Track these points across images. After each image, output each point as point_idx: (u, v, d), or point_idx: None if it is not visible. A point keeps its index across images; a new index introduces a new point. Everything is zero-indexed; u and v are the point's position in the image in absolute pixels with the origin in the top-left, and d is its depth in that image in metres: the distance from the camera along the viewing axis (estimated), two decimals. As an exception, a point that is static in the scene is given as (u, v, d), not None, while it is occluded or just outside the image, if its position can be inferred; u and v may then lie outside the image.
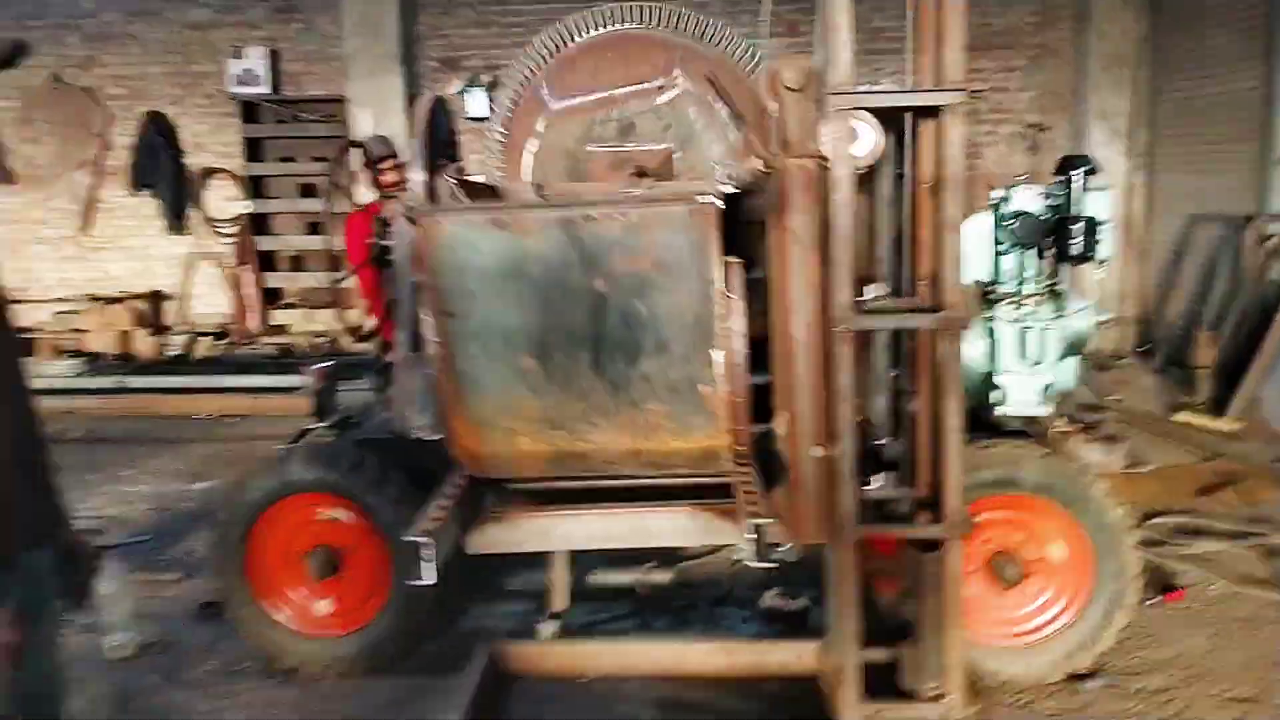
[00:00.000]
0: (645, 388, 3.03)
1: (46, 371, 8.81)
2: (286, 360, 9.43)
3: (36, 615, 2.21)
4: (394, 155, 5.75)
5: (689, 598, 4.54)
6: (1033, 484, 3.64)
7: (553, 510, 3.26)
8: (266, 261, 10.49)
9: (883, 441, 3.36)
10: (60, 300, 10.09)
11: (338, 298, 9.30)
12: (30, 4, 9.97)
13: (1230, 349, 7.27)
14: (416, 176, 3.30)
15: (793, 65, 2.91)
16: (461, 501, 3.13)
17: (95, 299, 10.13)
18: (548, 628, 4.11)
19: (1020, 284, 3.90)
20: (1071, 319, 3.91)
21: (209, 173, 10.34)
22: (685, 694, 3.76)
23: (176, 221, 10.29)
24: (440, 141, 3.73)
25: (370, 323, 4.44)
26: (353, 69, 9.71)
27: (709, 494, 3.24)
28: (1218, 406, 7.02)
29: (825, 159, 2.89)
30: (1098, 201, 3.84)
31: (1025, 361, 3.87)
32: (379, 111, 9.58)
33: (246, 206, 10.24)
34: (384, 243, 4.01)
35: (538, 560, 4.23)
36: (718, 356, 2.98)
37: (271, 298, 10.51)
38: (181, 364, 9.74)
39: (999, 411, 3.91)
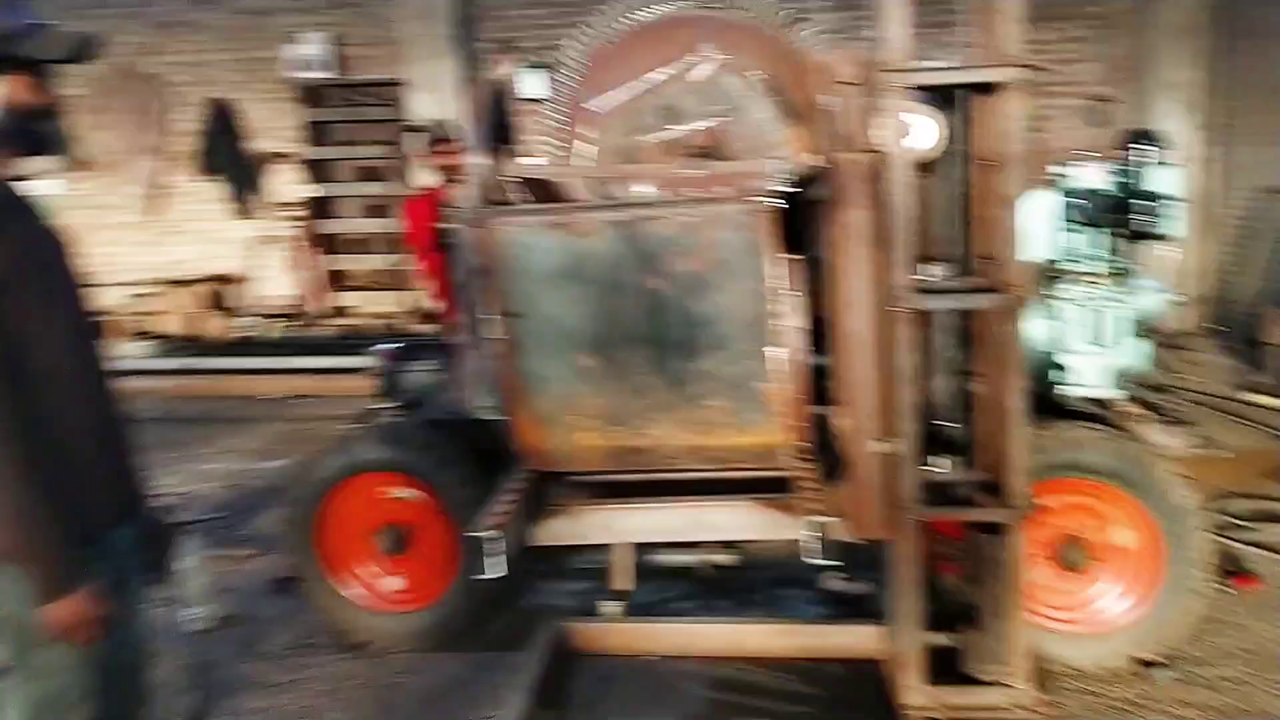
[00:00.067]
0: (704, 384, 3.06)
1: (119, 353, 9.05)
2: (352, 341, 9.57)
3: (121, 590, 2.29)
4: (454, 139, 5.81)
5: (750, 579, 4.56)
6: (1099, 467, 3.57)
7: (614, 504, 3.32)
8: (330, 244, 10.66)
9: (945, 424, 3.34)
10: (131, 283, 10.35)
11: (401, 280, 9.43)
12: (97, -7, 10.20)
13: (1304, 327, 7.08)
14: (476, 161, 3.34)
15: (848, 59, 2.89)
16: (526, 495, 3.18)
17: (165, 282, 10.38)
18: (610, 607, 4.16)
19: (1086, 262, 3.84)
20: (1139, 298, 3.84)
21: (272, 157, 10.52)
22: (745, 675, 3.80)
23: (242, 205, 10.49)
24: (499, 125, 3.77)
25: (435, 305, 4.50)
26: (410, 52, 9.79)
27: (768, 487, 3.26)
28: (1291, 387, 6.86)
29: (882, 151, 2.87)
30: (1166, 177, 3.77)
31: (1091, 342, 3.81)
32: (436, 94, 9.65)
33: (308, 190, 10.40)
34: (446, 227, 4.08)
35: (601, 540, 4.28)
36: (776, 353, 2.99)
37: (336, 280, 10.68)
38: (249, 345, 9.96)
39: (1064, 393, 3.87)
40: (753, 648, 3.85)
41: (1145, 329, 3.95)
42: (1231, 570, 4.39)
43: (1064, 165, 3.88)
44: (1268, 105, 8.43)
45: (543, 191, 3.51)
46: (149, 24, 10.38)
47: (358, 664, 4.05)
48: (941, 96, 3.04)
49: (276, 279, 10.63)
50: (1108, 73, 9.38)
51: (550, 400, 3.15)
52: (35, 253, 2.12)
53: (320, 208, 10.56)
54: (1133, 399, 4.02)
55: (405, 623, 4.11)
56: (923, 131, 2.97)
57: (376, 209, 10.47)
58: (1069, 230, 3.84)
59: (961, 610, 3.35)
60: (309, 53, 10.12)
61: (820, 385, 3.19)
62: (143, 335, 9.92)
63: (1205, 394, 6.92)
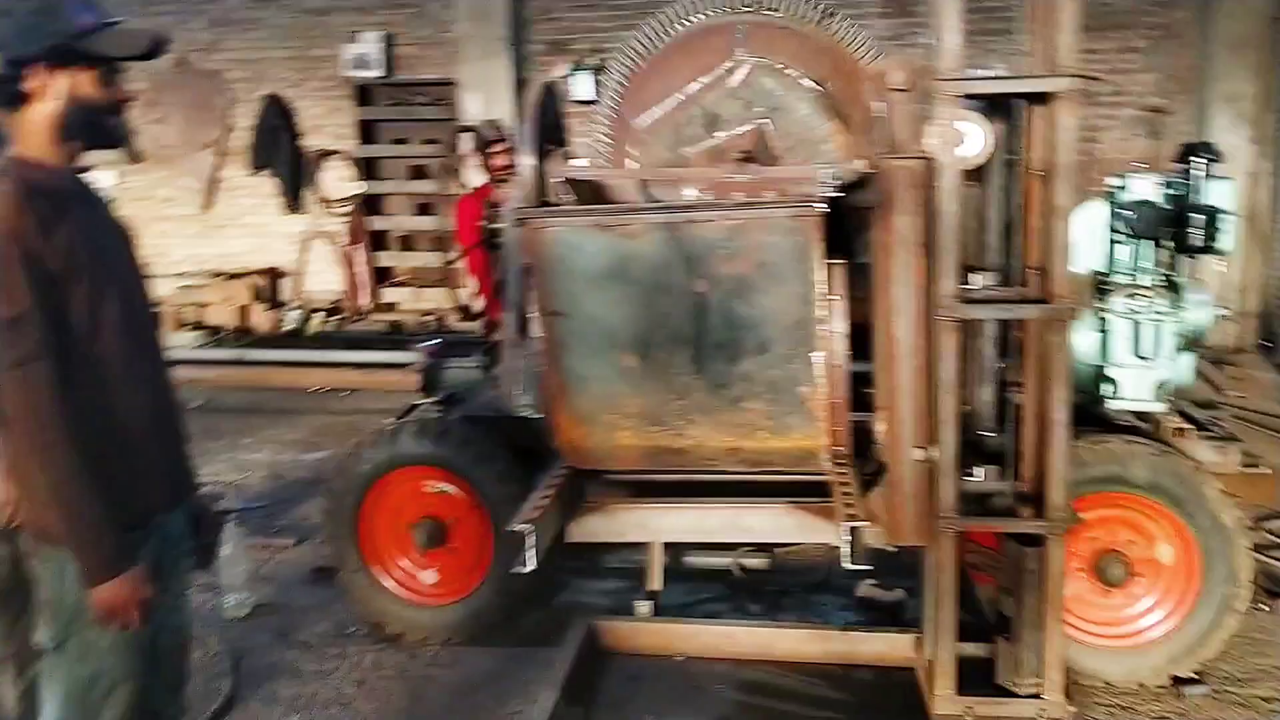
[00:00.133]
0: (745, 387, 3.06)
1: (170, 343, 9.21)
2: (396, 337, 9.69)
3: (167, 574, 2.34)
4: (504, 139, 5.87)
5: (784, 583, 4.55)
6: (1141, 482, 3.54)
7: (651, 503, 3.33)
8: (378, 241, 10.78)
9: (986, 433, 3.32)
10: (183, 275, 10.54)
11: (448, 277, 9.51)
12: (160, -11, 10.41)
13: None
14: (526, 161, 3.37)
15: (900, 66, 2.88)
16: (563, 492, 3.20)
17: (216, 274, 10.55)
18: (643, 606, 4.17)
19: (1136, 275, 3.79)
20: (1188, 312, 3.78)
21: (324, 154, 10.65)
22: (777, 679, 3.79)
23: (293, 201, 10.63)
24: (549, 126, 3.80)
25: (479, 303, 4.55)
26: (464, 52, 9.88)
27: (804, 491, 3.26)
28: (1342, 406, 6.72)
29: (932, 158, 2.86)
30: (1220, 191, 3.70)
31: (1139, 355, 3.76)
32: (488, 94, 9.73)
33: (360, 187, 10.52)
34: (493, 226, 4.11)
35: (635, 539, 4.30)
36: (818, 358, 2.99)
37: (382, 276, 10.80)
38: (296, 338, 10.10)
39: (1110, 406, 3.82)
40: (783, 652, 3.84)
41: (1193, 343, 3.89)
42: (1272, 590, 4.32)
43: (1118, 176, 3.83)
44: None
45: (590, 193, 3.53)
46: (209, 21, 10.57)
47: (390, 655, 4.09)
48: (990, 104, 3.02)
49: (325, 274, 10.77)
50: (1165, 84, 9.24)
51: (591, 399, 3.17)
52: (96, 243, 2.16)
53: (369, 205, 10.69)
54: (1177, 413, 3.96)
55: (440, 616, 4.15)
56: (971, 139, 2.95)
57: (424, 207, 10.57)
58: (1119, 242, 3.79)
59: (996, 620, 3.32)
60: (364, 52, 10.25)
61: (860, 391, 3.18)
62: (193, 326, 10.09)
63: (1252, 410, 6.80)
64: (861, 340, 3.12)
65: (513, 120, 8.97)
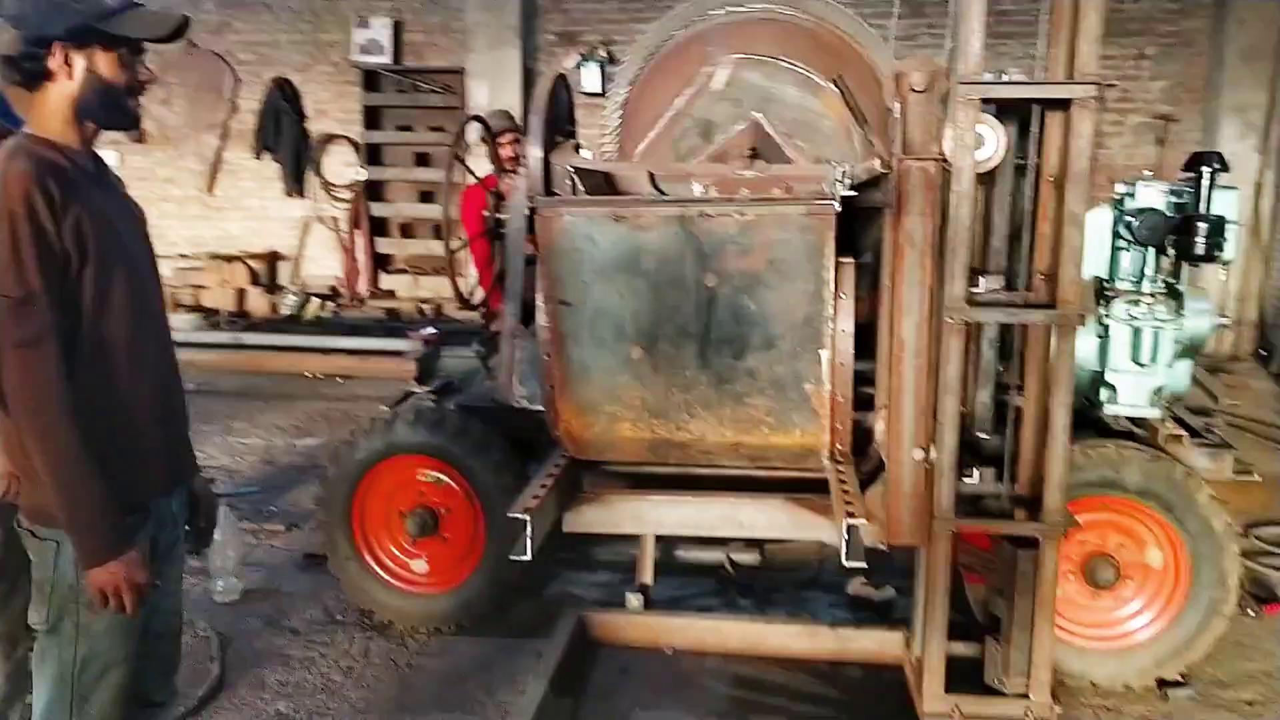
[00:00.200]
0: (749, 383, 3.06)
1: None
2: (393, 324, 9.68)
3: (164, 557, 2.33)
4: (514, 130, 5.85)
5: (775, 579, 4.55)
6: (1135, 487, 3.57)
7: (648, 495, 3.32)
8: (379, 227, 10.77)
9: (984, 436, 3.31)
10: (182, 256, 10.52)
11: (450, 266, 9.48)
12: (168, -31, 10.37)
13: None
14: (534, 153, 3.35)
15: (919, 67, 2.87)
16: (561, 482, 3.20)
17: (215, 257, 10.55)
18: (634, 599, 4.17)
19: (1138, 282, 3.79)
20: (1188, 320, 3.78)
21: (329, 139, 10.64)
22: (765, 674, 3.79)
23: (295, 185, 10.64)
24: (560, 118, 3.79)
25: (479, 293, 4.54)
26: (473, 41, 9.87)
27: (801, 487, 3.25)
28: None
29: (946, 160, 2.85)
30: (1225, 201, 3.70)
31: (1137, 361, 3.76)
32: (495, 84, 9.73)
33: (361, 173, 10.51)
34: (498, 216, 4.11)
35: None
36: (825, 356, 2.98)
37: (382, 263, 10.79)
38: (293, 323, 10.09)
39: (1107, 411, 3.82)
40: (773, 647, 3.83)
41: (1192, 351, 3.89)
42: (1260, 596, 4.34)
43: (1125, 183, 3.83)
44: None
45: (599, 186, 3.52)
46: (218, 2, 10.56)
47: (379, 643, 4.09)
48: (1002, 108, 3.00)
49: (324, 259, 10.76)
50: (1175, 92, 9.24)
51: (594, 390, 3.16)
52: (108, 224, 2.15)
53: (372, 190, 10.67)
54: (1173, 420, 3.96)
55: (429, 605, 4.15)
56: (984, 142, 2.94)
57: (427, 195, 10.56)
58: (1123, 249, 3.78)
59: (985, 620, 3.32)
60: (373, 37, 10.23)
61: (860, 389, 3.17)
62: (190, 308, 10.07)
63: (1247, 418, 6.81)
64: (863, 339, 3.11)
65: (520, 110, 8.97)
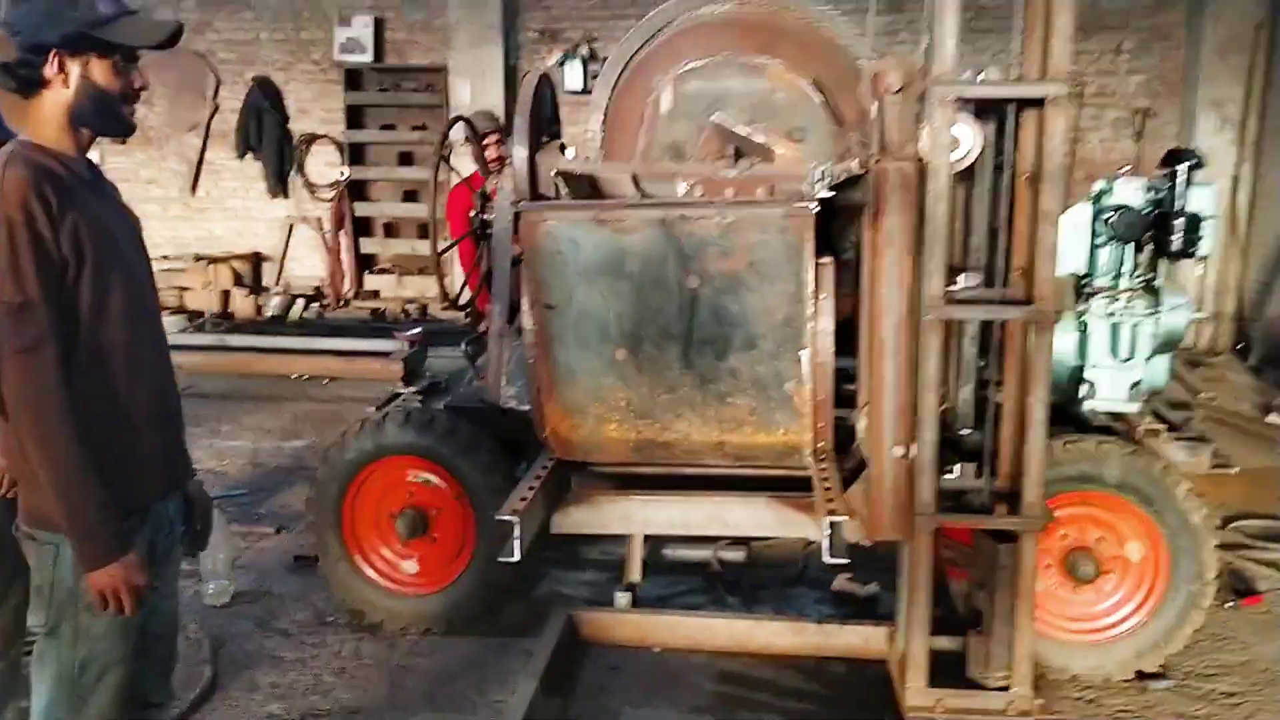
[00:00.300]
0: (732, 383, 3.10)
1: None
2: (378, 325, 9.68)
3: (161, 559, 2.36)
4: (499, 130, 5.86)
5: (761, 577, 4.59)
6: (1114, 481, 3.62)
7: (635, 495, 3.35)
8: (362, 227, 10.75)
9: (964, 432, 3.36)
10: (165, 258, 10.47)
11: (436, 266, 9.48)
12: (148, -32, 10.33)
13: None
14: (519, 153, 3.38)
15: (895, 67, 2.90)
16: (548, 483, 3.23)
17: (199, 258, 10.50)
18: (622, 598, 4.21)
19: (1116, 278, 3.84)
20: (1166, 315, 3.83)
21: (311, 138, 10.61)
22: (752, 671, 3.83)
23: (279, 185, 10.59)
24: (545, 118, 3.81)
25: (465, 293, 4.56)
26: (455, 39, 9.85)
27: (786, 486, 3.29)
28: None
29: (923, 160, 2.89)
30: (1202, 197, 3.75)
31: (1116, 357, 3.81)
32: (478, 82, 9.71)
33: (344, 173, 10.49)
34: (484, 216, 4.13)
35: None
36: (805, 355, 3.02)
37: (366, 263, 10.78)
38: (278, 324, 10.06)
39: (1086, 406, 3.87)
40: (760, 644, 3.89)
41: (1170, 346, 3.94)
42: (1240, 589, 4.40)
43: (1103, 180, 3.88)
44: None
45: (583, 187, 3.55)
46: (200, 1, 10.48)
47: (370, 644, 4.11)
48: (979, 106, 3.04)
49: (308, 259, 10.73)
50: (1152, 86, 9.31)
51: (579, 391, 3.20)
52: (105, 230, 2.17)
53: (355, 190, 10.65)
54: (1151, 414, 4.02)
55: (419, 605, 4.17)
56: (961, 141, 2.98)
57: (411, 194, 10.55)
58: (1101, 245, 3.83)
59: (968, 615, 3.37)
60: (355, 36, 10.20)
61: (841, 387, 3.21)
62: (174, 310, 10.03)
63: (1227, 413, 6.89)
64: (843, 336, 3.15)
65: (503, 108, 8.97)
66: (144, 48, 2.22)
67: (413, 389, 4.51)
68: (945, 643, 3.29)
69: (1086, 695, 3.69)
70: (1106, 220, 3.77)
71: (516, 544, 2.90)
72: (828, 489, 3.02)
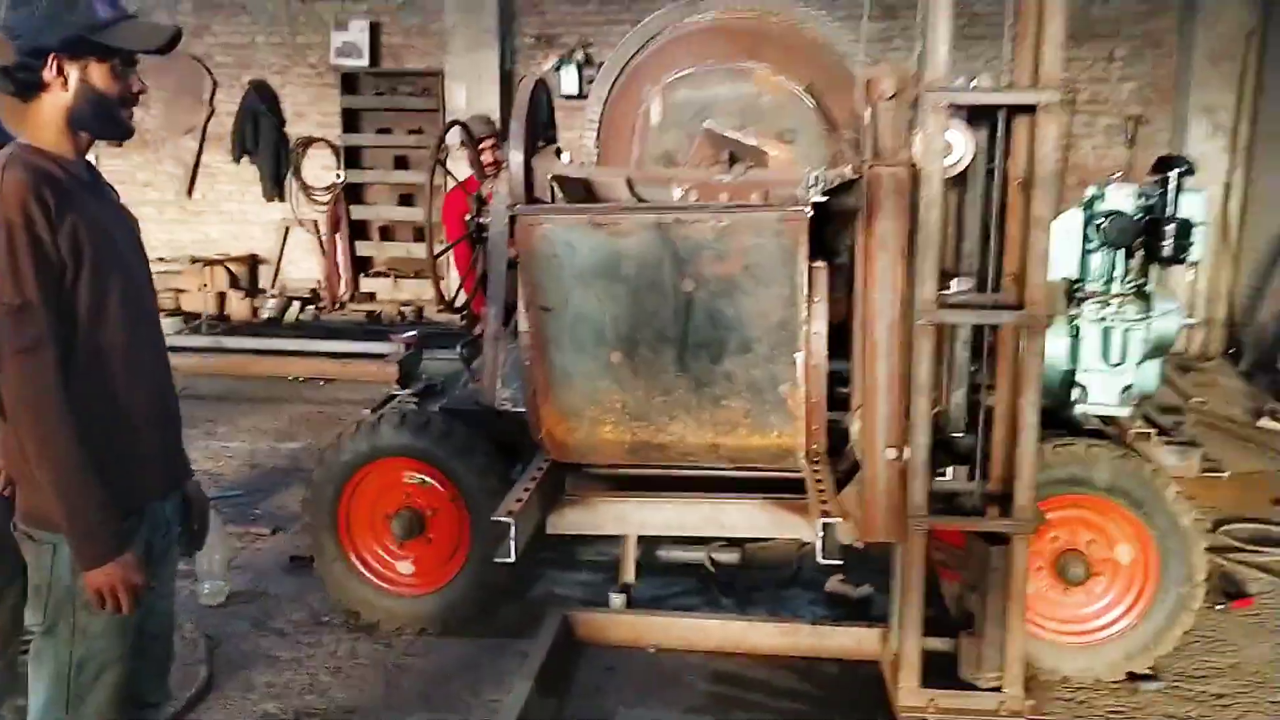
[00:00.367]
0: (726, 385, 3.13)
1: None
2: (374, 327, 9.69)
3: (159, 559, 2.37)
4: (494, 134, 5.89)
5: (755, 578, 4.61)
6: (1104, 484, 3.65)
7: (630, 496, 3.38)
8: (358, 230, 10.76)
9: (957, 435, 3.39)
10: (161, 260, 10.48)
11: (432, 269, 9.50)
12: (145, -29, 10.34)
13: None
14: (516, 158, 3.40)
15: (889, 73, 2.93)
16: (544, 484, 3.25)
17: (195, 260, 10.51)
18: (617, 599, 4.23)
19: (1107, 283, 3.88)
20: (1157, 320, 3.86)
21: (308, 142, 10.63)
22: (746, 671, 3.85)
23: (275, 188, 10.61)
24: (540, 123, 3.84)
25: (461, 296, 4.59)
26: (451, 43, 9.87)
27: (780, 487, 3.32)
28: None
29: (916, 166, 2.92)
30: (1193, 203, 3.79)
31: (1107, 361, 3.84)
32: (474, 86, 9.73)
33: (340, 176, 10.51)
34: (480, 220, 4.15)
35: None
36: (799, 358, 3.05)
37: (362, 266, 10.79)
38: (273, 327, 10.07)
39: (1078, 410, 3.90)
40: (753, 645, 3.91)
41: (1161, 351, 3.98)
42: (1229, 591, 4.44)
43: (1095, 186, 3.91)
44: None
45: (578, 191, 3.57)
46: (195, 4, 10.51)
47: (366, 644, 4.12)
48: (972, 112, 3.07)
49: (303, 262, 10.74)
50: (1144, 93, 9.35)
51: (575, 393, 3.23)
52: (103, 232, 2.18)
53: (351, 194, 10.66)
54: (1142, 419, 4.05)
55: (416, 605, 4.19)
56: (953, 146, 3.00)
57: (407, 197, 10.57)
58: (1093, 250, 3.87)
59: (959, 616, 3.39)
60: (351, 40, 10.22)
61: (835, 390, 3.24)
62: (170, 312, 10.04)
63: (1218, 417, 6.93)
64: (837, 340, 3.18)
65: (499, 113, 9.00)
66: (142, 52, 2.24)
67: (408, 391, 4.53)
68: (937, 644, 3.32)
69: (1077, 696, 3.72)
70: (1098, 226, 3.80)
71: (512, 545, 2.92)
72: (821, 491, 3.05)
